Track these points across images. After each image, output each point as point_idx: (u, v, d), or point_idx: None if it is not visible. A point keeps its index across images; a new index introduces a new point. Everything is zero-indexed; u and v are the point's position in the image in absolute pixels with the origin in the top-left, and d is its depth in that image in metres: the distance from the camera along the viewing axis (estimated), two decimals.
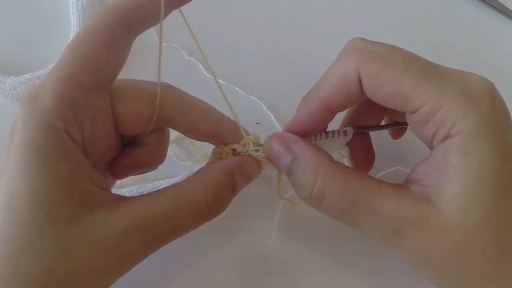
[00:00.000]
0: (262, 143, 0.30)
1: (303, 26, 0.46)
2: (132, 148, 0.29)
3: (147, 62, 0.33)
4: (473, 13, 0.48)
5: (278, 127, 0.39)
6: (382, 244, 0.27)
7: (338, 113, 0.29)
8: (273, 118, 0.40)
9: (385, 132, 0.36)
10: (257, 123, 0.39)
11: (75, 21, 0.42)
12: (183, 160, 0.37)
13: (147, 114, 0.27)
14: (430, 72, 0.25)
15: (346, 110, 0.33)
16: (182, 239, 0.27)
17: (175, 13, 0.27)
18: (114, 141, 0.28)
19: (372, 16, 0.47)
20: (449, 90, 0.25)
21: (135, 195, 0.29)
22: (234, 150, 0.30)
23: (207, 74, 0.41)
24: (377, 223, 0.26)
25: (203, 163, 0.31)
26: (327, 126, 0.31)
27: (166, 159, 0.31)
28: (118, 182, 0.32)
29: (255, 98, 0.40)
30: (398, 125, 0.34)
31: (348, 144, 0.32)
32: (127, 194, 0.34)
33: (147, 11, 0.26)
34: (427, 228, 0.25)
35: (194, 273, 0.33)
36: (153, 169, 0.31)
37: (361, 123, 0.33)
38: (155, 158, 0.30)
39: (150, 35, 0.30)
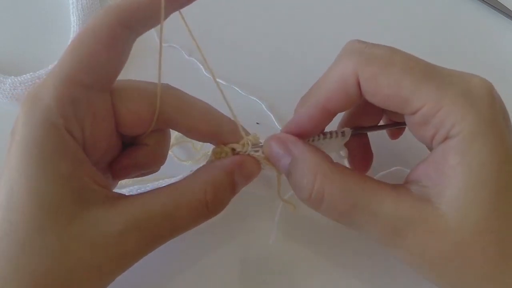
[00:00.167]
0: (262, 143, 0.30)
1: (303, 26, 0.46)
2: (133, 148, 0.29)
3: (148, 62, 0.33)
4: (473, 13, 0.48)
5: (278, 127, 0.39)
6: (382, 244, 0.27)
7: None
8: (273, 118, 0.40)
9: (384, 132, 0.36)
10: (257, 123, 0.39)
11: (75, 21, 0.42)
12: (183, 160, 0.37)
13: (148, 115, 0.28)
14: (430, 74, 0.25)
15: None
16: (182, 239, 0.27)
17: (175, 13, 0.27)
18: (115, 141, 0.28)
19: (372, 16, 0.47)
20: (449, 91, 0.25)
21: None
22: (233, 150, 0.30)
23: (207, 74, 0.41)
24: (376, 223, 0.26)
25: (203, 163, 0.31)
26: (325, 127, 0.31)
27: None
28: (118, 182, 0.32)
29: (255, 98, 0.40)
30: (396, 125, 0.34)
31: (346, 144, 0.31)
32: (127, 194, 0.34)
33: (148, 12, 0.26)
34: (427, 229, 0.25)
35: (194, 273, 0.34)
36: (155, 171, 0.31)
37: (359, 123, 0.33)
38: (155, 159, 0.30)
39: (150, 35, 0.30)
